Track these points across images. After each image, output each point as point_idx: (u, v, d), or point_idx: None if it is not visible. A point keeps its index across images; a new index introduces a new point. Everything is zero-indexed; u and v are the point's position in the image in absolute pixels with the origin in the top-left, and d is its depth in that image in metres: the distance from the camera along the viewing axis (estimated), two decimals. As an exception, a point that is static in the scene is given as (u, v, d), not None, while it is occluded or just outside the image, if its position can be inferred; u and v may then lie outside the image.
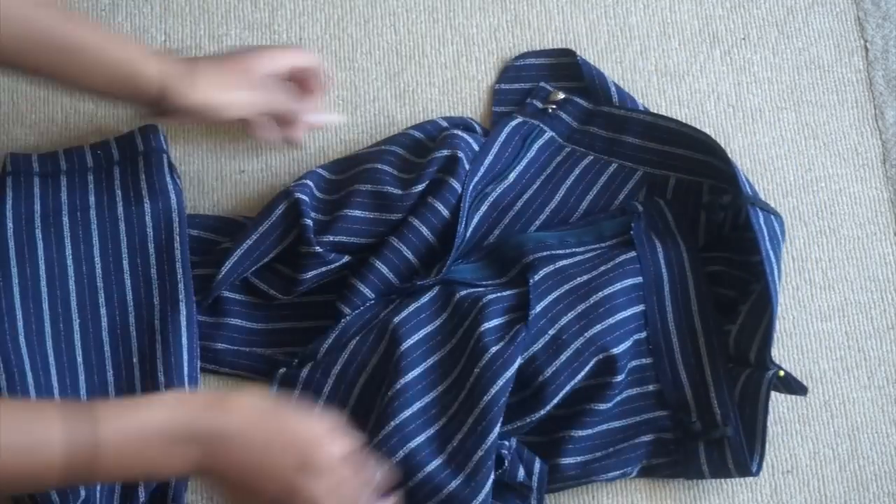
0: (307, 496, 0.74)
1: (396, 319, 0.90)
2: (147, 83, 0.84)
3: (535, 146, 1.00)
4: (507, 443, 0.87)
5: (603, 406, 0.90)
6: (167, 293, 0.91)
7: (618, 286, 0.91)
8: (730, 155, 0.95)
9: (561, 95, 1.01)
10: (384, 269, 0.93)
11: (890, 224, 1.03)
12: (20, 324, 0.89)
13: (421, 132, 0.98)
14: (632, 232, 0.94)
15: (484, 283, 0.94)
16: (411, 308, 0.91)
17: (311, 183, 0.94)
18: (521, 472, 0.87)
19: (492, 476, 0.85)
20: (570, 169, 1.00)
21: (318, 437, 0.75)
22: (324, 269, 0.92)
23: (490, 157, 0.97)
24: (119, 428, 0.70)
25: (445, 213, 0.93)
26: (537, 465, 0.89)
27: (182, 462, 0.72)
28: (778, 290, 0.90)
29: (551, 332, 0.89)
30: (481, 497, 0.85)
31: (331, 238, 0.92)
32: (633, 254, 0.93)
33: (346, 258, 0.93)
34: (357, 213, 0.93)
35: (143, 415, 0.71)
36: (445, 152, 0.94)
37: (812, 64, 1.07)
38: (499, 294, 0.91)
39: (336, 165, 0.97)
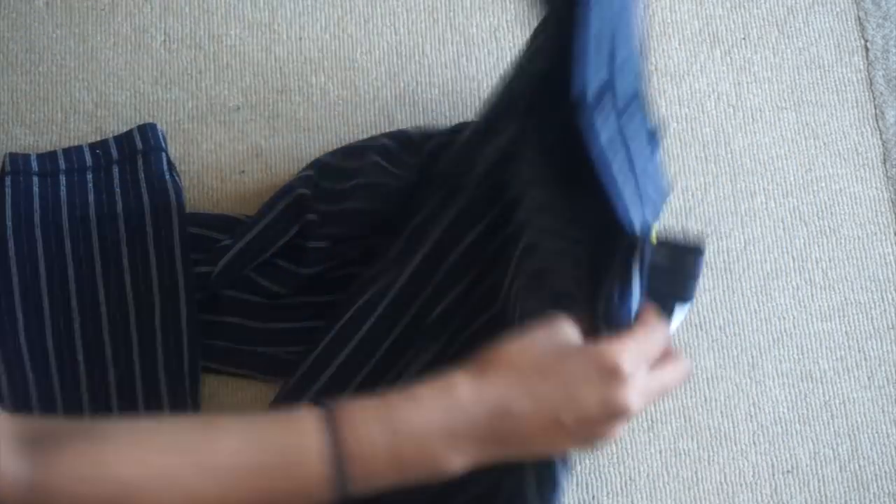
0: (623, 403, 0.64)
1: None
2: None
3: None
4: None
5: None
6: (167, 292, 0.91)
7: None
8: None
9: None
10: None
11: (890, 224, 1.03)
12: (21, 323, 0.89)
13: (414, 129, 0.98)
14: None
15: None
16: None
17: (313, 174, 0.94)
18: None
19: None
20: None
21: (606, 348, 0.65)
22: (326, 264, 0.92)
23: None
24: (384, 431, 0.63)
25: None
26: None
27: (468, 457, 0.64)
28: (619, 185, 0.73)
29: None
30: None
31: (334, 232, 0.92)
32: None
33: (349, 253, 0.93)
34: (359, 207, 0.92)
35: (411, 413, 0.63)
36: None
37: (812, 64, 1.07)
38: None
39: (338, 154, 0.97)
